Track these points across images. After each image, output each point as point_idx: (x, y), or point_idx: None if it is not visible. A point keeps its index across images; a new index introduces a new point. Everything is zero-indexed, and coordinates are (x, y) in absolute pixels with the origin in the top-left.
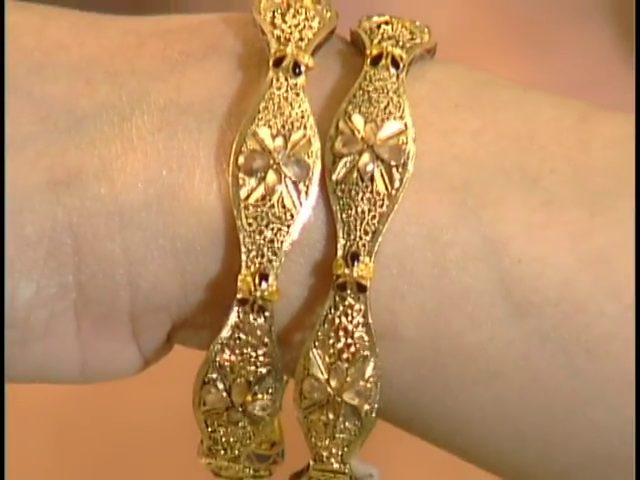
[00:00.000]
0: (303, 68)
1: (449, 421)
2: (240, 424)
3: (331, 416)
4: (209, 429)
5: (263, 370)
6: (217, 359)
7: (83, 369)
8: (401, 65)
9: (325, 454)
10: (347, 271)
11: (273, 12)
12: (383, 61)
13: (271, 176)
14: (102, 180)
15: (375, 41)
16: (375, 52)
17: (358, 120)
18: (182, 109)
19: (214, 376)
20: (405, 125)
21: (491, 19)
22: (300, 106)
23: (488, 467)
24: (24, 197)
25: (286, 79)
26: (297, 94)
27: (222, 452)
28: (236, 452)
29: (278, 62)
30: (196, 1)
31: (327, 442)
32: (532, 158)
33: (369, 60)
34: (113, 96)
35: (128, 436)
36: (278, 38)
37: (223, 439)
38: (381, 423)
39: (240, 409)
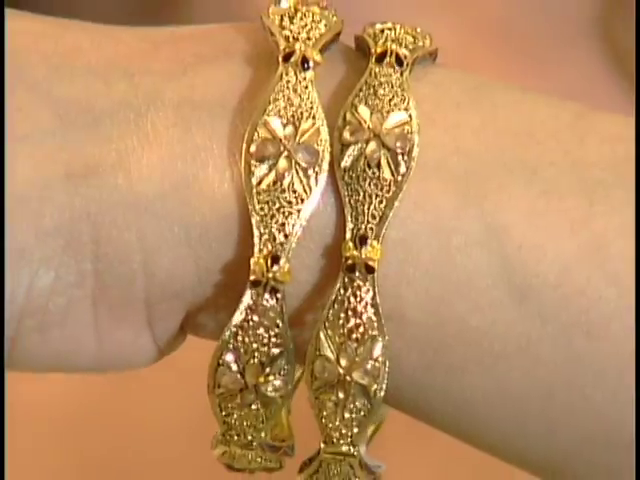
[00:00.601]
0: (312, 63)
1: (454, 403)
2: (253, 406)
3: (341, 395)
4: (223, 413)
5: (276, 351)
6: (231, 341)
7: (98, 356)
8: (405, 63)
9: (336, 435)
10: (356, 253)
11: (281, 16)
12: (387, 59)
13: (282, 162)
14: (119, 172)
15: (380, 42)
16: (380, 50)
17: (364, 111)
18: (195, 105)
19: (228, 358)
20: (410, 116)
21: (486, 39)
22: (309, 97)
23: (492, 451)
24: (43, 188)
25: (295, 73)
26: (306, 87)
27: (235, 438)
28: (249, 437)
29: (287, 57)
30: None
31: (337, 422)
32: (531, 152)
33: (374, 58)
34: (129, 95)
35: (134, 439)
36: (286, 37)
37: (236, 423)
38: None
39: (254, 390)
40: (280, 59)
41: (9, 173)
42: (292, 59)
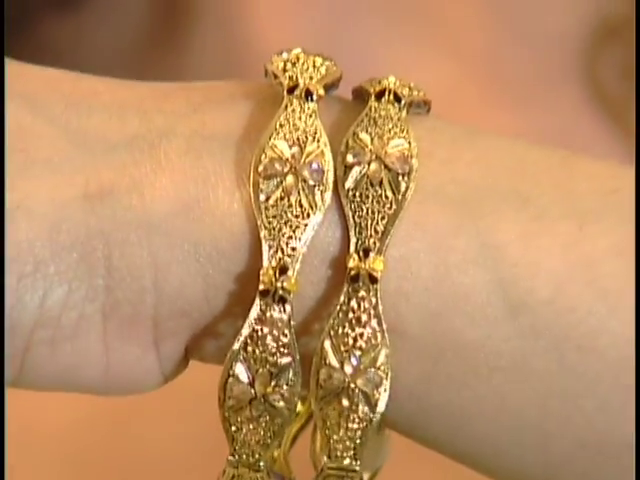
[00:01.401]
0: (315, 96)
1: (451, 416)
2: (261, 419)
3: (345, 403)
4: (233, 428)
5: (284, 361)
6: (241, 351)
7: (105, 374)
8: (403, 100)
9: (339, 448)
10: (360, 264)
11: (284, 62)
12: (386, 96)
13: (289, 179)
14: (133, 194)
15: (378, 84)
16: (378, 89)
17: (366, 137)
18: (206, 137)
19: (238, 368)
20: (409, 143)
21: (474, 81)
22: (313, 124)
23: (487, 468)
24: (61, 207)
25: (300, 104)
26: (310, 115)
27: (244, 457)
28: (257, 456)
29: (291, 90)
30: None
31: (341, 433)
32: (523, 184)
33: (373, 96)
34: (142, 129)
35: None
36: (290, 77)
37: (245, 439)
38: None
39: (262, 400)
40: (285, 93)
41: (31, 191)
42: (296, 92)
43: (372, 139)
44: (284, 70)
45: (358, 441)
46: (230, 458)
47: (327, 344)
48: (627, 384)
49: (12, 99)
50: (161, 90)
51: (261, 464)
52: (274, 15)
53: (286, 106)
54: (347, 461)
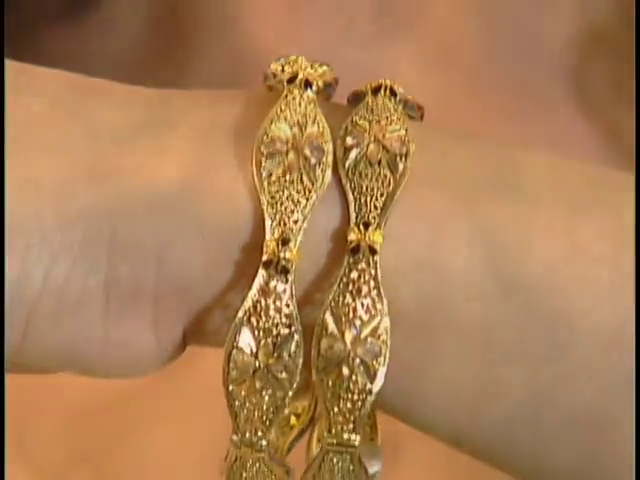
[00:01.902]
0: (315, 87)
1: (448, 394)
2: (264, 393)
3: (345, 372)
4: (236, 403)
5: (286, 331)
6: (244, 322)
7: (105, 349)
8: (398, 95)
9: (339, 421)
10: (360, 236)
11: (282, 65)
12: (382, 91)
13: (290, 157)
14: (137, 174)
15: (374, 83)
16: (374, 85)
17: (364, 123)
18: (212, 128)
19: (242, 340)
20: (406, 130)
21: (462, 92)
22: (313, 109)
23: (480, 449)
24: (69, 183)
25: (299, 92)
26: (309, 103)
27: (247, 435)
28: (259, 433)
29: (291, 80)
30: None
31: (341, 405)
32: (516, 175)
33: (370, 91)
34: (148, 119)
35: None
36: (290, 72)
37: (249, 414)
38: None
39: (265, 371)
40: (285, 82)
41: (41, 168)
42: (296, 81)
43: (370, 124)
44: (282, 69)
45: (357, 413)
46: (233, 437)
47: (328, 314)
48: (616, 361)
49: (20, 91)
50: (167, 91)
51: (263, 444)
52: (273, 23)
53: (286, 95)
54: (346, 435)
